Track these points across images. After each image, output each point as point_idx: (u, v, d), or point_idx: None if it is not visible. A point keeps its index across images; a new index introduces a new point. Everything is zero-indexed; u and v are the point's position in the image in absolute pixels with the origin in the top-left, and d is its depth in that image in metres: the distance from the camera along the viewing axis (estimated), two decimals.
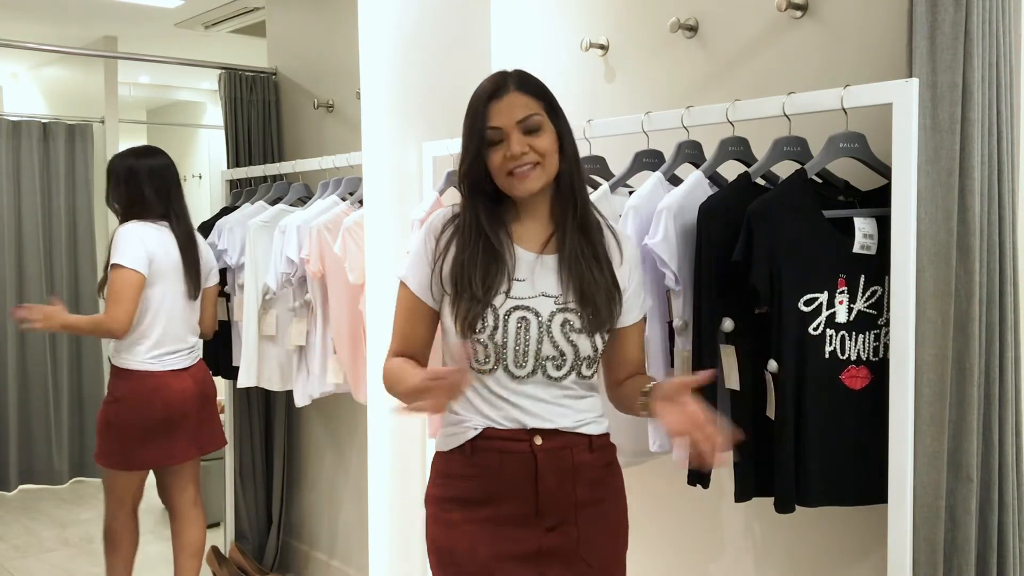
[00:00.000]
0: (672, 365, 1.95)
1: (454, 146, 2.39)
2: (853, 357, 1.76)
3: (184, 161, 3.07)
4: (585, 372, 1.69)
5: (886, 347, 1.74)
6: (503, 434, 1.67)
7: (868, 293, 1.76)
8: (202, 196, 6.61)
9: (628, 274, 1.74)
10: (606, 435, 1.76)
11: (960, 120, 1.61)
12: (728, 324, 1.81)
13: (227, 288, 3.44)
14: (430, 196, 2.50)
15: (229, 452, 3.83)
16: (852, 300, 1.75)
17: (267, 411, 3.86)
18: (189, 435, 3.03)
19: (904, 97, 1.62)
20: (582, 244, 1.69)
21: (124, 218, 2.98)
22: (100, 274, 3.05)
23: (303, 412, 3.76)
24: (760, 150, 1.93)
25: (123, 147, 3.81)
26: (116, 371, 2.96)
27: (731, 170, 1.95)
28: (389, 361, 1.74)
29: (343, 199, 3.04)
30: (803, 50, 2.06)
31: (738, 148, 1.97)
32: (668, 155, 2.05)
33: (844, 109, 1.73)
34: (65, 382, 5.22)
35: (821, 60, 2.02)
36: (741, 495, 1.83)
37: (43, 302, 5.00)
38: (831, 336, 1.75)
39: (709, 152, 2.01)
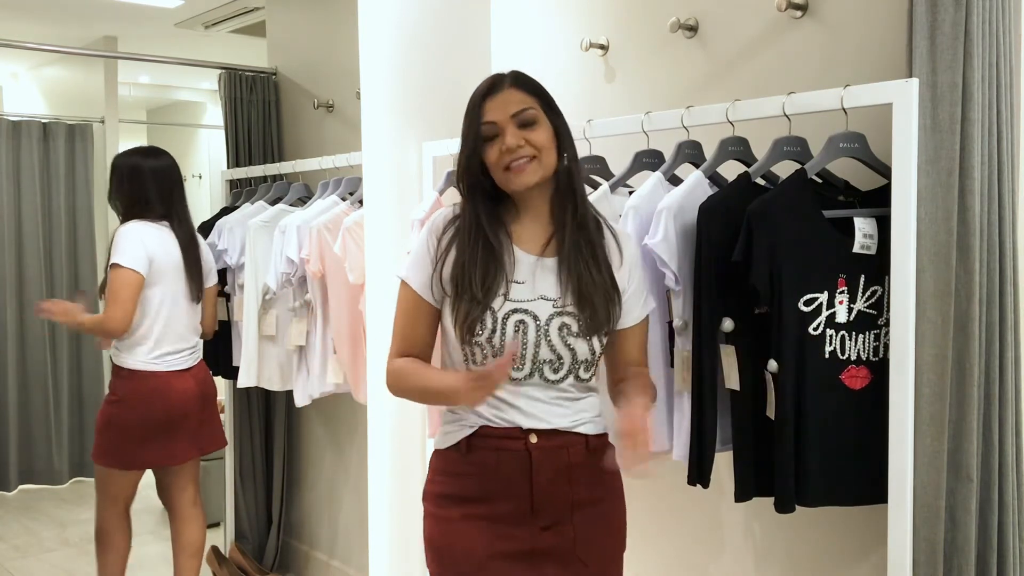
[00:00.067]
0: (672, 365, 1.95)
1: (454, 146, 2.38)
2: (853, 357, 1.76)
3: (184, 161, 3.08)
4: (583, 375, 1.69)
5: (886, 347, 1.74)
6: (499, 432, 1.67)
7: (868, 293, 1.76)
8: (202, 196, 6.61)
9: (628, 275, 1.74)
10: (604, 435, 1.76)
11: (960, 120, 1.61)
12: (728, 324, 1.81)
13: (227, 288, 3.44)
14: (430, 196, 2.50)
15: (229, 452, 3.83)
16: (852, 300, 1.75)
17: (267, 411, 3.86)
18: (190, 435, 3.03)
19: (904, 97, 1.62)
20: (581, 245, 1.69)
21: (125, 217, 2.98)
22: (101, 274, 3.06)
23: (303, 412, 3.76)
24: (760, 150, 1.93)
25: (123, 147, 3.82)
26: (118, 371, 2.96)
27: (731, 170, 1.95)
28: (395, 362, 1.74)
29: (343, 199, 3.04)
30: (803, 50, 2.06)
31: (738, 148, 1.97)
32: (668, 155, 2.05)
33: (844, 109, 1.73)
34: (65, 382, 5.22)
35: (821, 60, 2.02)
36: (741, 495, 1.83)
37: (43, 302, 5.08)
38: (831, 336, 1.75)
39: (709, 152, 2.01)
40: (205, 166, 6.91)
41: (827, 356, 1.75)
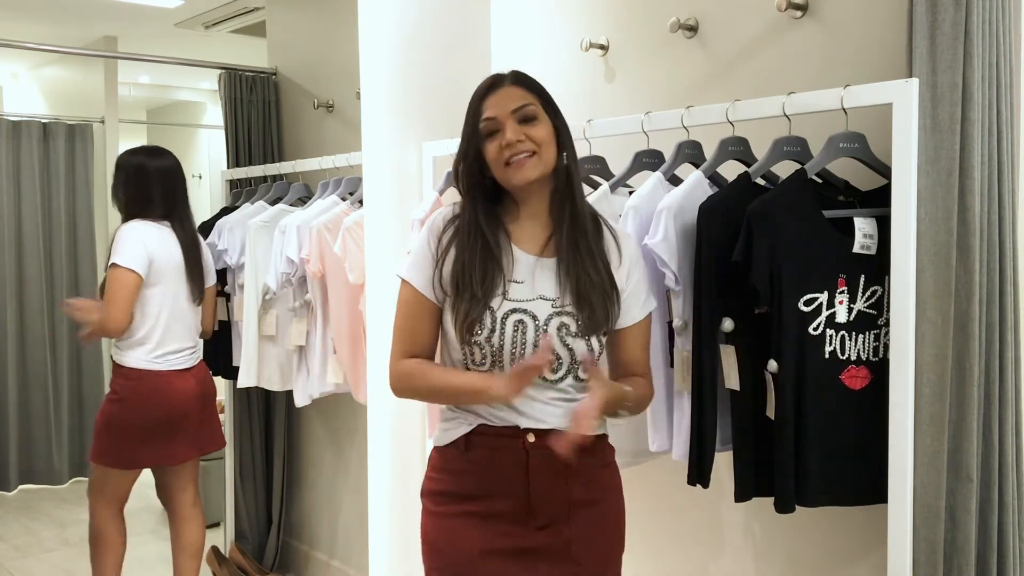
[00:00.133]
0: (672, 365, 1.95)
1: (454, 146, 2.38)
2: (853, 357, 1.76)
3: (184, 161, 3.07)
4: (582, 375, 1.69)
5: (886, 347, 1.74)
6: (497, 431, 1.68)
7: (868, 293, 1.76)
8: (202, 196, 6.61)
9: (627, 274, 1.74)
10: (604, 436, 1.76)
11: (960, 120, 1.61)
12: (728, 324, 1.81)
13: (227, 288, 3.44)
14: (430, 196, 2.50)
15: (229, 452, 3.83)
16: (852, 300, 1.75)
17: (267, 411, 3.86)
18: (190, 435, 3.03)
19: (904, 97, 1.62)
20: (579, 245, 1.70)
21: (127, 216, 2.99)
22: (101, 274, 3.06)
23: (303, 412, 3.76)
24: (760, 150, 1.93)
25: (123, 147, 3.81)
26: (119, 370, 2.96)
27: (731, 170, 1.95)
28: (403, 363, 1.73)
29: (343, 199, 3.04)
30: (803, 50, 2.06)
31: (738, 148, 1.97)
32: (668, 155, 2.05)
33: (844, 109, 1.73)
34: (65, 382, 5.22)
35: (821, 60, 2.02)
36: (741, 495, 1.83)
37: (43, 302, 5.08)
38: (831, 336, 1.75)
39: (709, 152, 2.01)
40: (205, 166, 6.91)
41: (827, 356, 1.75)
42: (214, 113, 6.58)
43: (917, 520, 1.64)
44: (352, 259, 2.77)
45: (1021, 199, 1.74)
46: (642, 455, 2.05)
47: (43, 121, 5.22)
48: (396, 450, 2.56)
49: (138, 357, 2.93)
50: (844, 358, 1.75)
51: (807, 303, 1.74)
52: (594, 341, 1.68)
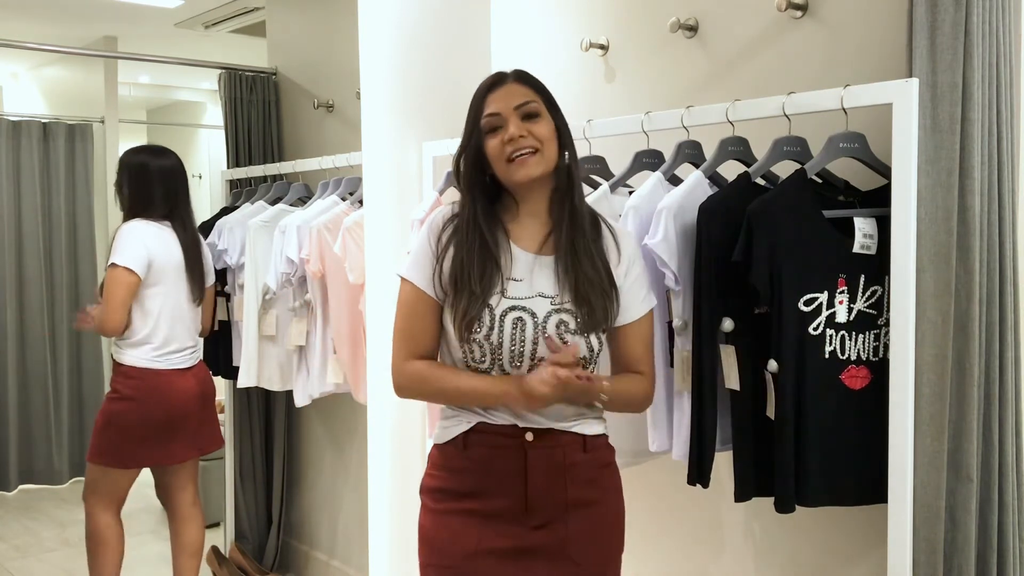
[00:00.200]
0: (672, 365, 1.95)
1: (454, 146, 2.38)
2: (853, 357, 1.76)
3: (184, 161, 3.07)
4: (581, 375, 1.69)
5: (886, 347, 1.74)
6: (495, 429, 1.68)
7: (868, 293, 1.76)
8: (202, 196, 6.60)
9: (625, 271, 1.75)
10: (603, 436, 1.76)
11: (960, 120, 1.61)
12: (728, 324, 1.81)
13: (227, 288, 3.44)
14: (430, 196, 2.50)
15: (229, 452, 3.83)
16: (852, 300, 1.75)
17: (267, 411, 3.86)
18: (190, 435, 3.03)
19: (904, 97, 1.62)
20: (578, 243, 1.70)
21: (128, 215, 2.99)
22: (101, 274, 3.07)
23: (303, 412, 3.76)
24: (760, 150, 1.93)
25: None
26: (120, 369, 2.96)
27: (731, 170, 1.95)
28: (410, 364, 1.72)
29: (343, 199, 3.04)
30: (803, 50, 2.06)
31: (738, 148, 1.97)
32: (668, 155, 2.05)
33: (844, 109, 1.73)
34: (65, 382, 5.22)
35: (821, 60, 2.02)
36: (741, 495, 1.83)
37: (43, 302, 5.08)
38: (831, 336, 1.75)
39: (709, 152, 2.01)
40: (205, 166, 6.90)
41: (827, 356, 1.75)
42: (214, 113, 6.58)
43: (917, 520, 1.64)
44: (352, 259, 2.77)
45: (1021, 199, 1.74)
46: (642, 455, 2.05)
47: (43, 121, 5.21)
48: (396, 450, 2.56)
49: (139, 356, 2.93)
50: (844, 358, 1.75)
51: (807, 303, 1.74)
52: (593, 339, 1.68)
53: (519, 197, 1.73)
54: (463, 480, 1.70)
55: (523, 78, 1.72)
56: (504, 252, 1.70)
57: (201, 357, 3.13)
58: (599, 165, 2.20)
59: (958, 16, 1.61)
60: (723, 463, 1.94)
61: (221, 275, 3.40)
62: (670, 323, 1.93)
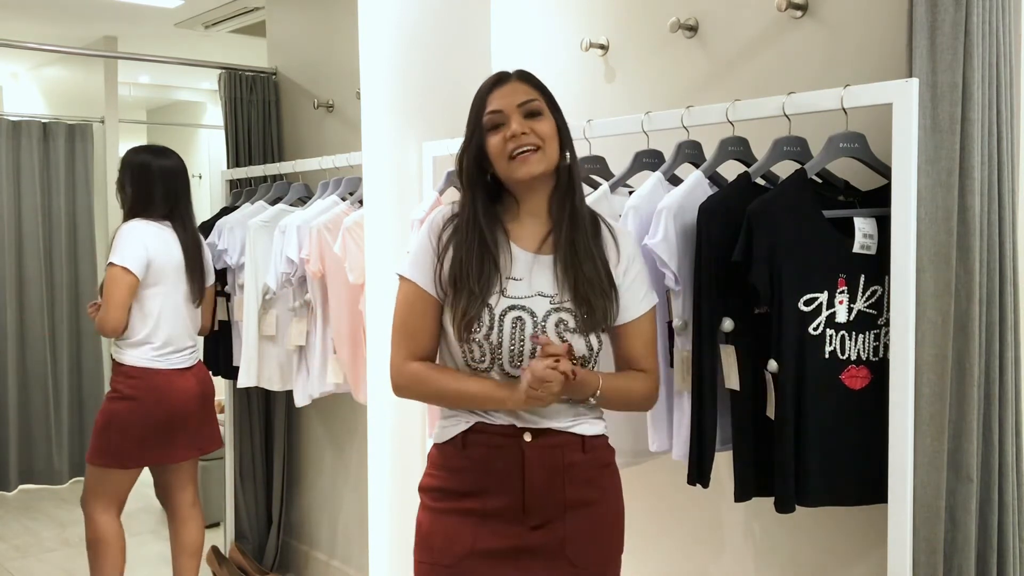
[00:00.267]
0: (672, 365, 1.95)
1: (454, 146, 2.38)
2: (853, 357, 1.76)
3: (184, 161, 3.09)
4: (578, 372, 1.68)
5: (886, 347, 1.74)
6: (494, 429, 1.68)
7: (868, 293, 1.76)
8: (202, 196, 6.60)
9: (624, 270, 1.75)
10: (602, 436, 1.76)
11: (960, 120, 1.61)
12: (728, 324, 1.81)
13: (227, 288, 3.44)
14: (430, 196, 2.50)
15: (229, 452, 3.83)
16: (852, 300, 1.75)
17: (267, 411, 3.86)
18: (189, 435, 3.03)
19: (904, 97, 1.62)
20: (578, 242, 1.70)
21: (128, 215, 2.99)
22: (101, 274, 3.07)
23: (303, 412, 3.76)
24: (760, 150, 1.93)
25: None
26: (120, 368, 2.96)
27: (731, 170, 1.95)
28: (409, 365, 1.73)
29: (343, 199, 3.04)
30: (803, 50, 2.06)
31: (738, 148, 1.97)
32: (668, 155, 2.05)
33: (844, 109, 1.73)
34: (65, 382, 5.22)
35: (821, 60, 2.02)
36: (741, 495, 1.83)
37: (43, 302, 5.08)
38: (831, 336, 1.75)
39: (709, 152, 2.01)
40: (205, 166, 6.90)
41: (827, 356, 1.75)
42: (214, 113, 6.58)
43: (917, 520, 1.64)
44: (352, 259, 2.77)
45: (1021, 199, 1.74)
46: (642, 455, 2.05)
47: (43, 121, 5.22)
48: (396, 450, 2.56)
49: (139, 356, 2.93)
50: (844, 358, 1.75)
51: (807, 303, 1.74)
52: (592, 338, 1.68)
53: (519, 196, 1.74)
54: (462, 480, 1.70)
55: (525, 77, 1.73)
56: (503, 251, 1.70)
57: (200, 357, 3.13)
58: (599, 165, 2.20)
59: (958, 16, 1.61)
60: (723, 463, 1.94)
61: (221, 275, 3.40)
62: (670, 323, 1.93)
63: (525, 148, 1.66)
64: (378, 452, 2.55)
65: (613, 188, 2.09)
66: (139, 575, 3.71)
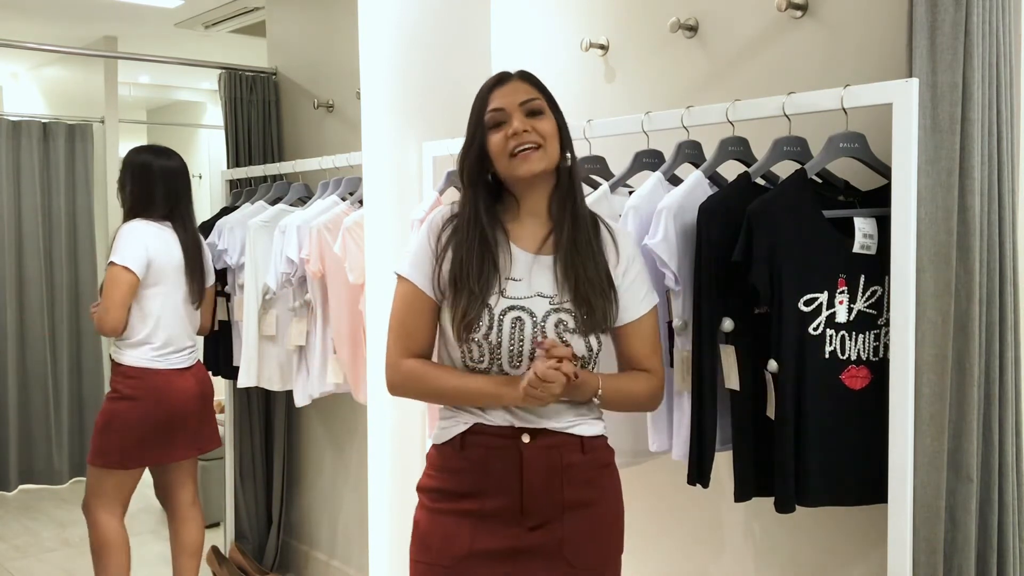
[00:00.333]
0: (672, 365, 1.95)
1: (454, 146, 2.39)
2: (853, 357, 1.76)
3: (186, 162, 3.10)
4: (578, 373, 1.68)
5: (886, 347, 1.74)
6: (492, 430, 1.68)
7: (868, 293, 1.76)
8: (202, 196, 6.61)
9: (624, 271, 1.75)
10: (601, 437, 1.75)
11: (960, 120, 1.61)
12: (728, 324, 1.81)
13: (227, 288, 3.44)
14: (430, 196, 2.50)
15: (229, 452, 3.83)
16: (852, 300, 1.75)
17: (267, 411, 3.86)
18: (189, 434, 3.03)
19: (904, 97, 1.62)
20: (578, 243, 1.70)
21: (128, 215, 2.99)
22: (101, 274, 3.06)
23: (303, 412, 3.76)
24: (760, 150, 1.93)
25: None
26: (120, 369, 2.96)
27: (731, 170, 1.95)
28: (405, 363, 1.73)
29: (343, 199, 3.04)
30: (803, 50, 2.06)
31: (738, 148, 1.97)
32: (668, 155, 2.05)
33: (844, 109, 1.73)
34: (65, 382, 5.22)
35: (821, 60, 2.02)
36: (741, 495, 1.82)
37: (43, 302, 5.08)
38: (831, 336, 1.75)
39: (709, 152, 2.01)
40: (205, 166, 6.90)
41: (827, 356, 1.75)
42: (214, 113, 6.58)
43: (917, 520, 1.64)
44: (352, 259, 2.77)
45: (1021, 199, 1.74)
46: (642, 455, 2.05)
47: (43, 121, 5.22)
48: (396, 450, 2.56)
49: (139, 356, 2.93)
50: (844, 358, 1.75)
51: (807, 303, 1.74)
52: (592, 338, 1.68)
53: (519, 195, 1.74)
54: (460, 481, 1.70)
55: (527, 77, 1.74)
56: (503, 251, 1.70)
57: (199, 357, 3.13)
58: (599, 165, 2.20)
59: (958, 16, 1.61)
60: (723, 463, 1.94)
61: (221, 275, 3.41)
62: (670, 323, 1.93)
63: (526, 146, 1.67)
64: (378, 452, 2.55)
65: (613, 188, 2.09)
66: (139, 575, 3.71)
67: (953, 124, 1.61)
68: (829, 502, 1.78)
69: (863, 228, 1.75)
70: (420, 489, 1.78)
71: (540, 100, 1.71)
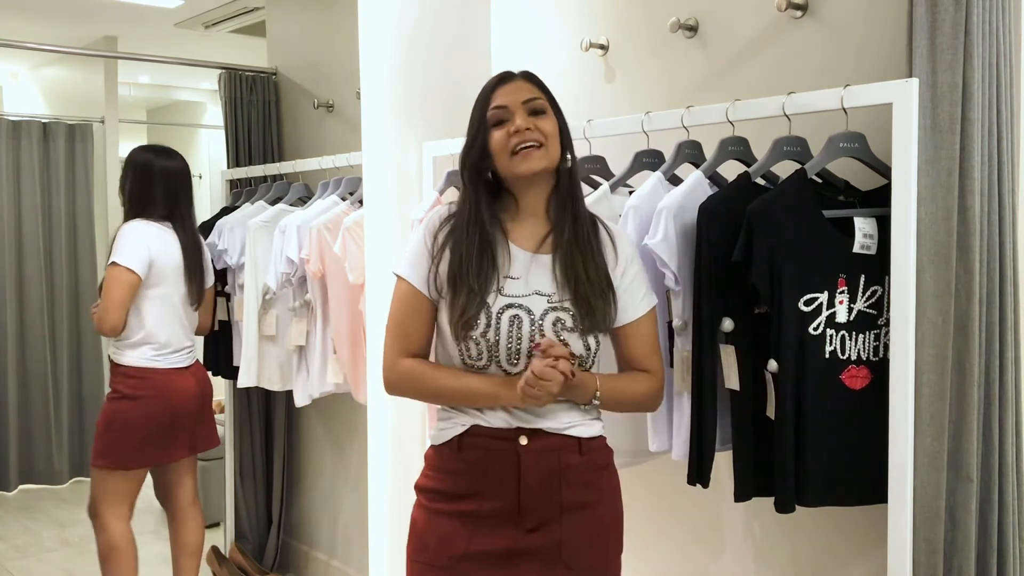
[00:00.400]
0: (672, 365, 1.95)
1: (454, 146, 2.39)
2: (853, 357, 1.76)
3: (188, 163, 3.10)
4: (577, 373, 1.68)
5: (886, 347, 1.74)
6: (489, 432, 1.68)
7: (868, 293, 1.76)
8: (202, 196, 6.60)
9: (622, 272, 1.75)
10: (599, 438, 1.75)
11: (960, 120, 1.61)
12: (728, 324, 1.81)
13: (227, 288, 3.44)
14: (430, 196, 2.50)
15: (229, 452, 3.83)
16: (852, 300, 1.75)
17: (267, 411, 3.86)
18: (188, 434, 3.03)
19: (904, 97, 1.62)
20: (577, 243, 1.71)
21: (129, 214, 2.99)
22: (101, 274, 3.07)
23: (303, 412, 3.76)
24: (760, 150, 1.93)
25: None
26: (119, 369, 2.96)
27: (731, 170, 1.95)
28: (402, 362, 1.73)
29: (343, 199, 3.04)
30: (803, 50, 2.06)
31: (738, 148, 1.97)
32: (668, 155, 2.05)
33: (844, 109, 1.73)
34: (65, 382, 5.22)
35: (821, 60, 2.02)
36: (741, 495, 1.82)
37: (43, 302, 5.08)
38: (831, 336, 1.75)
39: (709, 152, 2.01)
40: (205, 166, 6.90)
41: (827, 356, 1.75)
42: (214, 113, 6.58)
43: (917, 520, 1.64)
44: (352, 259, 2.77)
45: (1021, 199, 1.74)
46: (642, 455, 2.05)
47: (43, 121, 5.22)
48: (396, 450, 2.56)
49: (138, 356, 2.93)
50: (844, 358, 1.75)
51: (807, 303, 1.74)
52: (591, 339, 1.68)
53: (518, 194, 1.74)
54: (458, 482, 1.70)
55: (530, 77, 1.75)
56: (502, 250, 1.70)
57: (197, 357, 3.13)
58: (599, 165, 2.20)
59: (958, 16, 1.61)
60: (723, 463, 1.94)
61: (221, 275, 3.41)
62: (670, 323, 1.93)
63: (528, 144, 1.67)
64: (378, 452, 2.55)
65: (613, 188, 2.09)
66: (139, 575, 3.71)
67: (953, 124, 1.61)
68: (829, 502, 1.78)
69: (863, 228, 1.75)
70: (418, 488, 1.78)
71: (543, 100, 1.71)
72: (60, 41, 5.10)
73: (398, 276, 1.76)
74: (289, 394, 3.27)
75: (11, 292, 5.02)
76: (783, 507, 1.75)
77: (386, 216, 2.56)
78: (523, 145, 1.67)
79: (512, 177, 1.71)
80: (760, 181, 1.89)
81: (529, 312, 1.66)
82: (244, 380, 3.22)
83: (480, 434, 1.69)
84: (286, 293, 3.11)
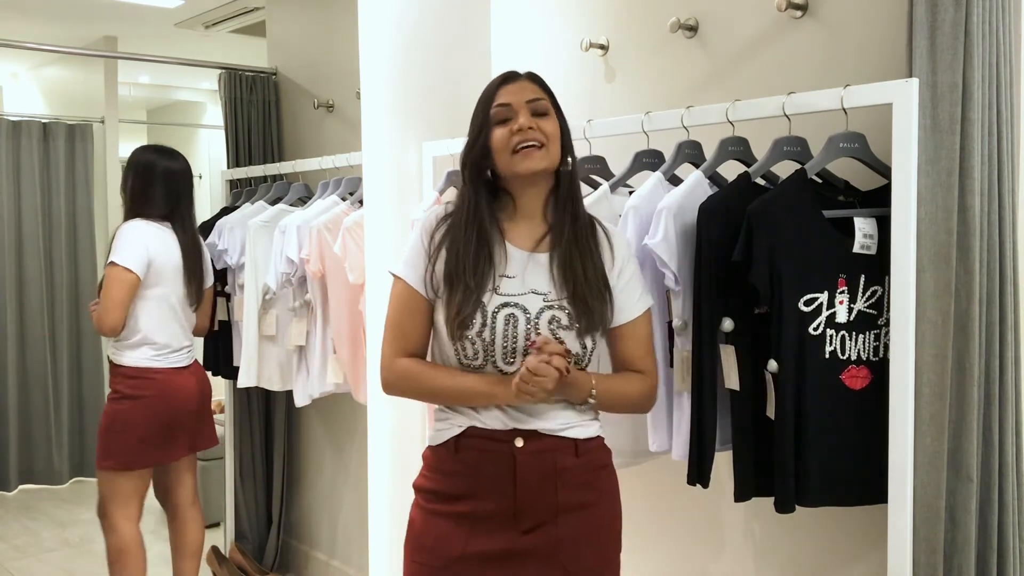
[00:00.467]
0: (672, 365, 1.95)
1: (454, 146, 2.39)
2: (853, 357, 1.76)
3: (191, 164, 3.11)
4: (572, 371, 1.68)
5: (886, 347, 1.74)
6: (485, 433, 1.68)
7: (868, 293, 1.76)
8: (202, 196, 6.61)
9: (619, 272, 1.75)
10: (597, 438, 1.75)
11: (960, 120, 1.61)
12: (728, 324, 1.81)
13: (227, 288, 3.44)
14: (430, 196, 2.50)
15: (229, 452, 3.83)
16: (852, 300, 1.75)
17: (267, 411, 3.86)
18: (188, 433, 3.04)
19: (904, 97, 1.62)
20: (575, 243, 1.71)
21: (129, 214, 2.99)
22: (101, 274, 3.07)
23: (303, 412, 3.76)
24: (760, 150, 1.93)
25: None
26: (119, 369, 2.96)
27: (731, 170, 1.95)
28: (399, 361, 1.73)
29: (343, 199, 3.04)
30: (803, 50, 2.06)
31: (738, 148, 1.97)
32: (668, 155, 2.05)
33: (844, 109, 1.73)
34: (65, 382, 5.22)
35: (821, 60, 2.02)
36: (741, 495, 1.82)
37: (43, 302, 5.08)
38: (831, 336, 1.75)
39: (709, 152, 2.01)
40: (205, 166, 6.90)
41: (827, 356, 1.75)
42: (214, 113, 6.59)
43: (917, 520, 1.64)
44: (352, 259, 2.77)
45: (1021, 199, 1.74)
46: (642, 455, 2.05)
47: (43, 121, 5.22)
48: (396, 450, 2.56)
49: (138, 356, 2.93)
50: (844, 358, 1.75)
51: (807, 303, 1.74)
52: (587, 339, 1.68)
53: (516, 194, 1.74)
54: (454, 483, 1.70)
55: (534, 78, 1.75)
56: (499, 248, 1.71)
57: (196, 356, 3.13)
58: (599, 165, 2.20)
59: (958, 16, 1.61)
60: (723, 463, 1.94)
61: (221, 275, 3.41)
62: (670, 323, 1.93)
63: (530, 143, 1.67)
64: (378, 452, 2.55)
65: (613, 188, 2.09)
66: None
67: (953, 124, 1.61)
68: (829, 502, 1.78)
69: (863, 228, 1.75)
70: (416, 488, 1.78)
71: (546, 101, 1.72)
72: (60, 41, 5.10)
73: (395, 276, 1.76)
74: (289, 394, 3.27)
75: (11, 292, 5.02)
76: (783, 507, 1.75)
77: (386, 216, 2.56)
78: (524, 144, 1.67)
79: (511, 176, 1.71)
80: (760, 181, 1.89)
81: (525, 311, 1.66)
82: (244, 380, 3.22)
83: (476, 435, 1.69)
84: (286, 293, 3.11)
